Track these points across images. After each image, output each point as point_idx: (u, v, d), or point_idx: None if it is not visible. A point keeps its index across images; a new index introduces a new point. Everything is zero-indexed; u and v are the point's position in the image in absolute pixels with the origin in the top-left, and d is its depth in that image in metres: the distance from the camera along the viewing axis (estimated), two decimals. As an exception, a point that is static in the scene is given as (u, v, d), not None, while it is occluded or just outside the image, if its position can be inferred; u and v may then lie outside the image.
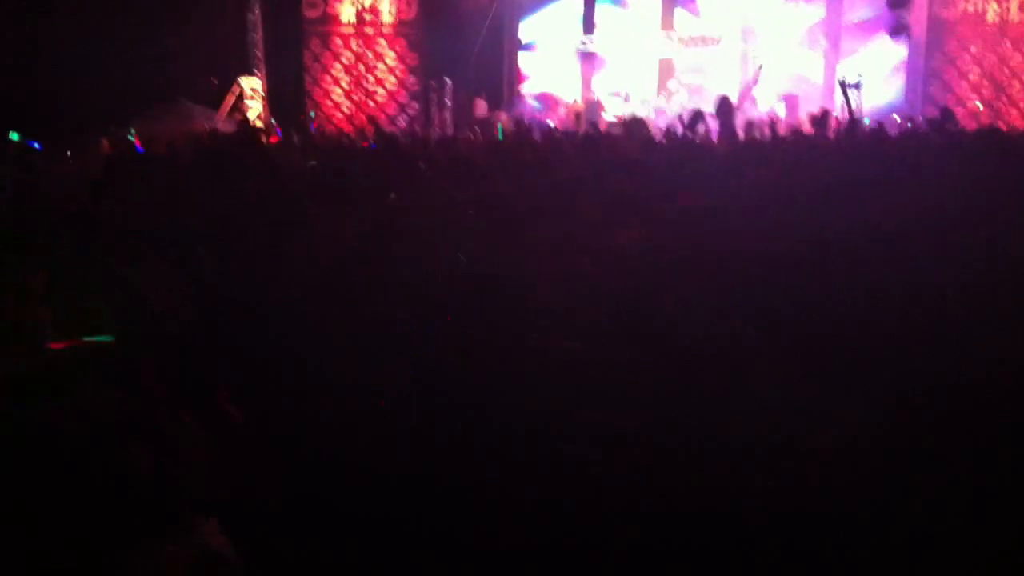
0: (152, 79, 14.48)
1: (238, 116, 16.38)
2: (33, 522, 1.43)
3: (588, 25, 18.44)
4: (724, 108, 9.84)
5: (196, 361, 2.26)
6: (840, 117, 12.90)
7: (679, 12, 18.62)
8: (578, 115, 15.85)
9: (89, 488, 1.48)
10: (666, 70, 18.93)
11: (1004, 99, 17.23)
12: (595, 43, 18.56)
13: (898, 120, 11.76)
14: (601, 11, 18.50)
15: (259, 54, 17.49)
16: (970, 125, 11.50)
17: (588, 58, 18.73)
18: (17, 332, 2.38)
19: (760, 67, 16.65)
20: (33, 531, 1.42)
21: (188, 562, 1.51)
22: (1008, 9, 17.01)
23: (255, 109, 17.22)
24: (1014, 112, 17.10)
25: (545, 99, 18.97)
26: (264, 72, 17.57)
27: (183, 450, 1.68)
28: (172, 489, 1.57)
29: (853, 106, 14.87)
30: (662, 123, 13.38)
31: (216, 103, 16.61)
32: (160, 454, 1.59)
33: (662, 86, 18.84)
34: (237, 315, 2.66)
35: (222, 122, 15.88)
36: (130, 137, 10.47)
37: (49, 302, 2.61)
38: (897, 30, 16.70)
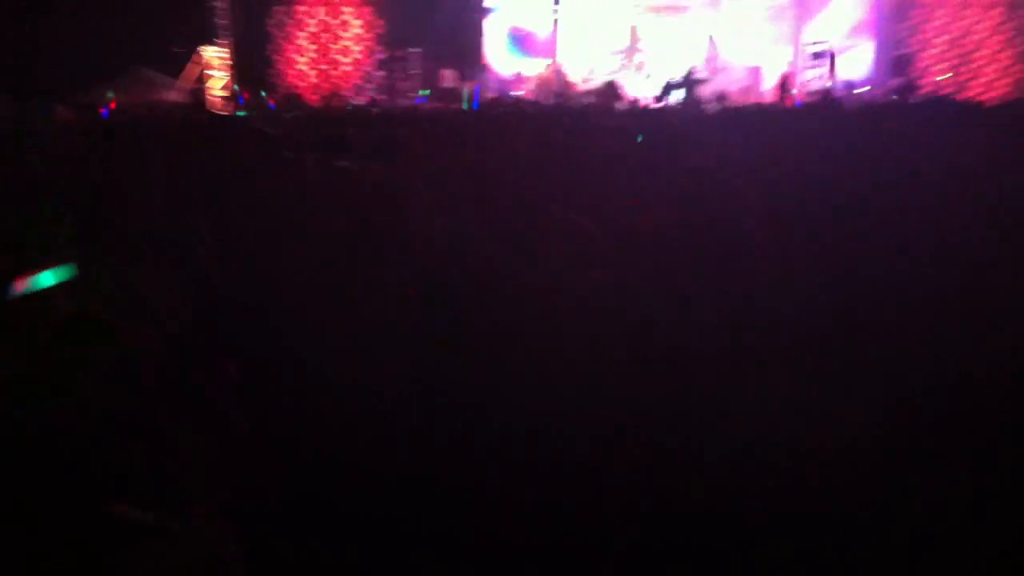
0: (112, 49, 14.25)
1: (202, 86, 16.32)
2: (33, 522, 1.43)
3: None
4: (690, 79, 10.07)
5: (196, 355, 2.26)
6: (807, 87, 13.06)
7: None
8: (546, 84, 15.87)
9: (89, 488, 1.48)
10: (635, 40, 18.99)
11: (969, 70, 17.29)
12: (563, 12, 18.59)
13: (859, 91, 11.72)
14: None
15: (222, 23, 17.34)
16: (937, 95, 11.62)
17: (556, 27, 18.74)
18: (17, 331, 2.38)
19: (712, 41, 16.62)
20: (33, 531, 1.42)
21: (188, 562, 1.51)
22: (973, -23, 17.15)
23: (219, 79, 17.13)
24: (979, 82, 17.15)
25: (512, 69, 18.92)
26: (227, 42, 17.43)
27: (183, 450, 1.69)
28: (172, 489, 1.57)
29: (824, 75, 14.99)
30: (630, 92, 13.46)
31: (179, 73, 16.50)
32: (160, 454, 1.59)
33: (631, 56, 18.91)
34: (236, 300, 2.66)
35: (186, 92, 15.82)
36: (109, 96, 10.36)
37: (51, 300, 2.61)
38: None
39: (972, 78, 17.08)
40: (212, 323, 2.54)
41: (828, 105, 8.75)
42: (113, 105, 9.90)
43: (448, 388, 2.45)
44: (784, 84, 11.18)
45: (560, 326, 2.60)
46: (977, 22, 17.14)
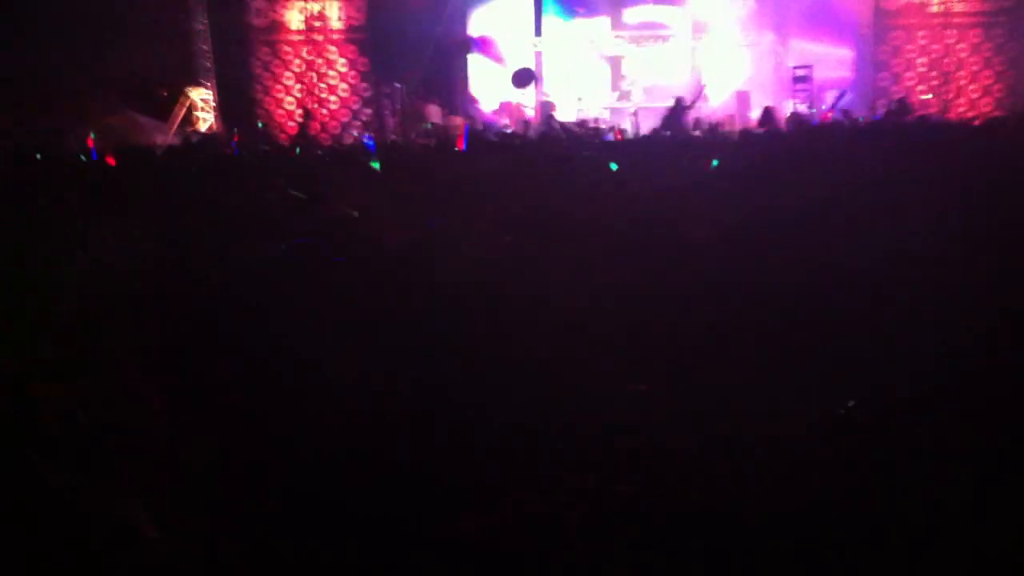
0: (98, 93, 14.26)
1: (189, 128, 16.32)
2: (33, 522, 1.43)
3: (538, 27, 18.50)
4: (676, 109, 10.41)
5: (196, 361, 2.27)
6: (790, 112, 13.30)
7: (628, 11, 18.70)
8: (526, 120, 16.15)
9: (89, 488, 1.48)
10: (619, 70, 19.01)
11: (952, 89, 17.38)
12: (545, 44, 18.61)
13: (843, 115, 11.69)
14: (551, 17, 18.62)
15: (208, 64, 17.39)
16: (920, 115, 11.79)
17: (539, 59, 18.77)
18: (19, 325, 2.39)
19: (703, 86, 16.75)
20: (33, 531, 1.42)
21: (188, 562, 1.51)
22: (951, -2, 17.23)
23: (206, 120, 17.12)
24: (961, 101, 17.22)
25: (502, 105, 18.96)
26: (213, 83, 17.47)
27: (182, 450, 1.69)
28: (172, 489, 1.57)
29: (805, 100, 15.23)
30: (616, 123, 13.78)
31: (165, 116, 16.50)
32: (159, 455, 1.59)
33: (616, 86, 18.91)
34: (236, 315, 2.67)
35: (173, 135, 15.81)
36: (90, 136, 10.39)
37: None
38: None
39: (956, 97, 17.24)
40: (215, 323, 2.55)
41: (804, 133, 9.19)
42: (90, 143, 9.96)
43: (449, 386, 2.46)
44: (767, 114, 11.51)
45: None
46: (956, 43, 17.27)
